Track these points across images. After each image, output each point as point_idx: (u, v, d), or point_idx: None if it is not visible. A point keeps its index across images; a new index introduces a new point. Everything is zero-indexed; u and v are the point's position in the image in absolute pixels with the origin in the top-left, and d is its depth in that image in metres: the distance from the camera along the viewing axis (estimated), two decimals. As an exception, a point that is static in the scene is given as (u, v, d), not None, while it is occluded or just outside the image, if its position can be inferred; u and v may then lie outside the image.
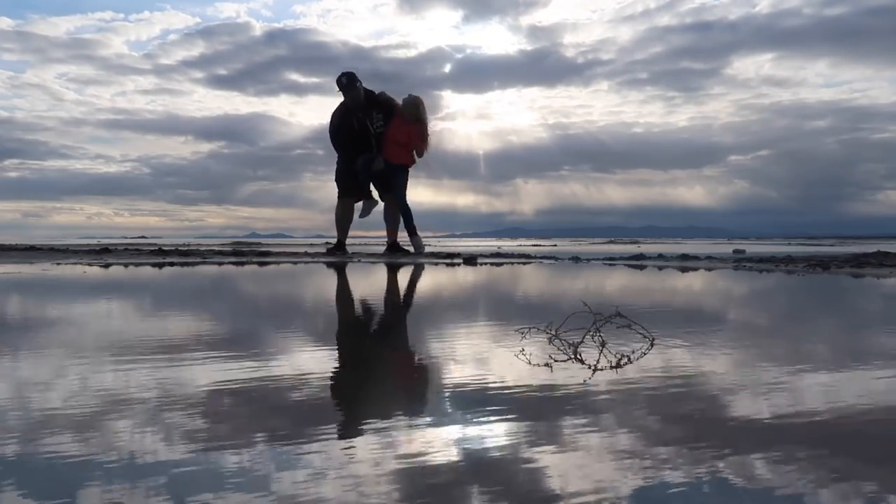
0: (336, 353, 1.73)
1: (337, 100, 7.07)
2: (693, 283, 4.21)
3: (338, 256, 7.00)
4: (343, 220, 7.33)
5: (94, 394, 1.21)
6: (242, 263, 5.97)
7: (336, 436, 0.98)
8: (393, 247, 7.37)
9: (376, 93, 7.12)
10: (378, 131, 7.04)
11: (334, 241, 7.59)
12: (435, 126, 7.18)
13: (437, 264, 5.88)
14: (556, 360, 1.49)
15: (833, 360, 1.62)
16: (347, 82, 6.86)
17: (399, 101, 7.10)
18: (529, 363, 1.47)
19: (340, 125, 7.07)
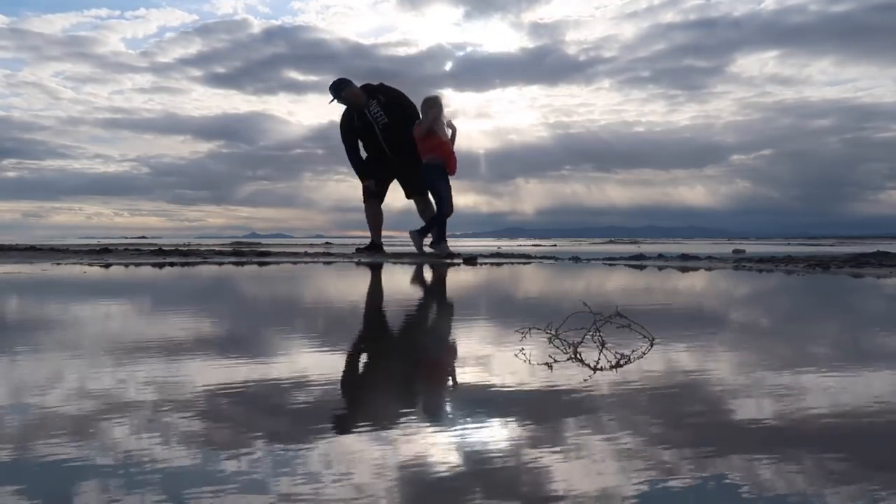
0: (335, 354, 1.73)
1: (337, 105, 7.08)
2: (693, 283, 4.21)
3: (373, 256, 7.04)
4: (375, 219, 7.24)
5: (95, 395, 1.21)
6: (242, 264, 5.97)
7: (335, 436, 0.98)
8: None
9: (374, 84, 7.06)
10: (379, 120, 6.96)
11: (367, 241, 7.57)
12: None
13: (436, 264, 5.88)
14: (556, 360, 1.49)
15: (834, 361, 1.62)
16: (337, 85, 6.89)
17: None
18: (529, 363, 1.47)
19: (345, 131, 7.06)
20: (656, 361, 1.51)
